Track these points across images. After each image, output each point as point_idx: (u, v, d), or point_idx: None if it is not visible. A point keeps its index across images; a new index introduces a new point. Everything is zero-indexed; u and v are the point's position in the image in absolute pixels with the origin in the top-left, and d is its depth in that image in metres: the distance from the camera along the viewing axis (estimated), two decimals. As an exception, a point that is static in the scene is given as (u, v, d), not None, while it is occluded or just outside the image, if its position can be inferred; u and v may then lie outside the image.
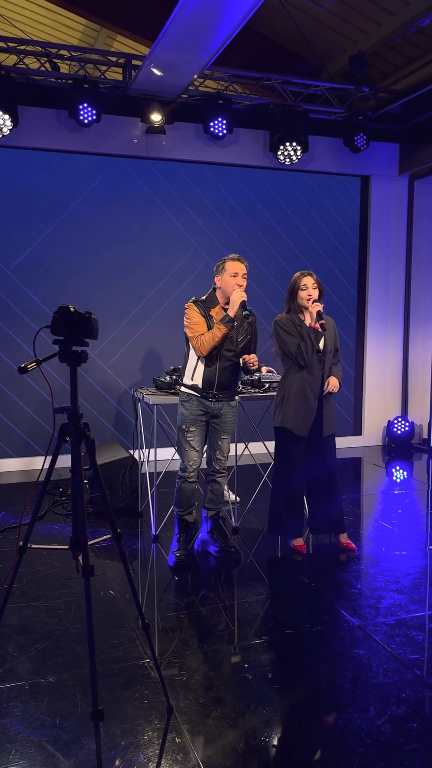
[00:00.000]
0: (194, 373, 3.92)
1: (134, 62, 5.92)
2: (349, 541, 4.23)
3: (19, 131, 5.75)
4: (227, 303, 3.84)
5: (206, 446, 4.12)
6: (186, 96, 6.16)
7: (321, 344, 3.96)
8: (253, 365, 3.97)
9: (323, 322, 3.89)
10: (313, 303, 3.91)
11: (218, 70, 6.06)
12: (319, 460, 4.08)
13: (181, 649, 2.98)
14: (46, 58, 5.72)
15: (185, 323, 3.90)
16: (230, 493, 4.92)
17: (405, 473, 6.43)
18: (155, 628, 3.16)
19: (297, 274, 3.99)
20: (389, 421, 7.46)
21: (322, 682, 2.75)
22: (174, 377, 4.58)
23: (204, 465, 4.15)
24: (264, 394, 4.66)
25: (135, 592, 2.42)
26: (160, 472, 4.80)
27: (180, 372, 4.39)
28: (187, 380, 3.97)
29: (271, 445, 4.32)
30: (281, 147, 6.33)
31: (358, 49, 6.38)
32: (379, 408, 7.51)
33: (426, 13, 5.78)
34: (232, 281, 3.83)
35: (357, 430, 7.53)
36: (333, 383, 3.99)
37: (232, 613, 3.37)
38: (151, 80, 5.62)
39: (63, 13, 7.56)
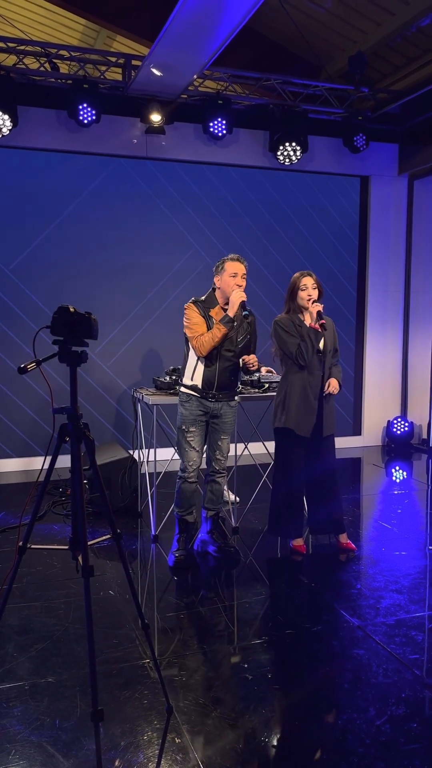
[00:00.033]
0: (194, 374, 3.92)
1: (134, 62, 5.92)
2: (348, 541, 4.23)
3: (18, 131, 5.75)
4: (227, 303, 3.84)
5: (206, 446, 4.12)
6: (186, 96, 6.16)
7: (321, 344, 3.96)
8: (253, 365, 3.98)
9: (323, 321, 3.90)
10: (313, 303, 3.91)
11: (218, 70, 6.06)
12: (319, 460, 4.08)
13: (180, 650, 2.98)
14: (45, 59, 5.72)
15: (185, 323, 3.90)
16: (230, 493, 4.93)
17: (404, 473, 6.43)
18: (155, 629, 3.16)
19: (296, 274, 3.99)
20: (389, 421, 7.46)
21: (322, 682, 2.75)
22: (174, 377, 4.58)
23: (204, 465, 4.15)
24: (263, 394, 4.66)
25: (134, 593, 2.42)
26: (160, 473, 4.80)
27: (179, 372, 4.39)
28: (186, 380, 3.97)
29: (270, 446, 4.32)
30: (281, 147, 6.33)
31: (358, 49, 6.38)
32: (378, 408, 7.52)
33: (426, 14, 5.78)
34: (232, 281, 3.83)
35: (356, 431, 7.53)
36: (333, 385, 3.99)
37: (231, 613, 3.37)
38: (151, 80, 5.62)
39: (63, 14, 7.56)
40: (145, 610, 3.37)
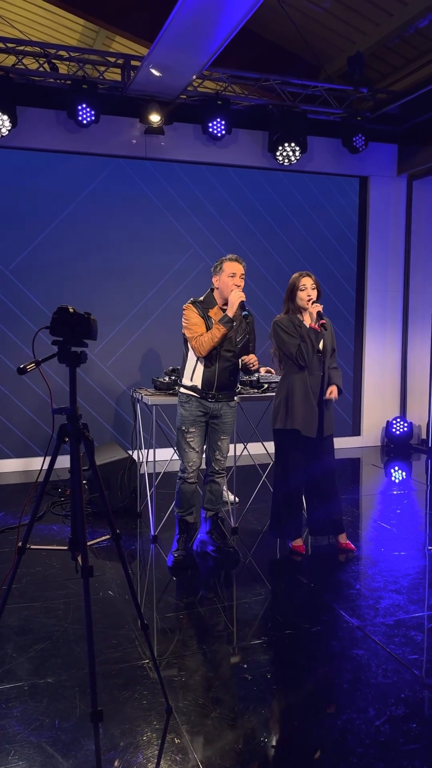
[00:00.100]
0: (193, 374, 3.92)
1: (133, 63, 5.93)
2: (348, 541, 4.23)
3: (17, 132, 5.75)
4: (225, 303, 3.84)
5: (205, 447, 4.12)
6: (185, 96, 6.16)
7: (321, 345, 3.96)
8: (254, 365, 3.98)
9: (323, 322, 3.90)
10: (312, 304, 3.91)
11: (217, 70, 6.06)
12: (318, 460, 4.08)
13: (180, 650, 2.98)
14: (44, 59, 5.73)
15: (184, 324, 3.90)
16: (229, 493, 4.93)
17: (404, 474, 6.44)
18: (154, 629, 3.16)
19: (295, 274, 3.99)
20: (388, 421, 7.46)
21: (321, 682, 2.75)
22: (173, 378, 4.58)
23: (203, 466, 4.15)
24: (263, 394, 4.66)
25: (134, 593, 2.42)
26: (159, 473, 4.80)
27: (179, 373, 4.40)
28: (186, 381, 3.97)
29: (269, 446, 4.32)
30: (280, 147, 6.34)
31: (357, 49, 6.39)
32: (377, 408, 7.52)
33: (424, 14, 5.79)
34: (230, 282, 3.83)
35: (356, 431, 7.53)
36: (335, 393, 3.98)
37: (231, 613, 3.37)
38: (150, 81, 5.62)
39: (62, 14, 7.56)
40: (144, 610, 3.37)
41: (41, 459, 6.11)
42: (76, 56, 5.82)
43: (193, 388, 3.92)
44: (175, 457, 4.16)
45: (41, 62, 5.74)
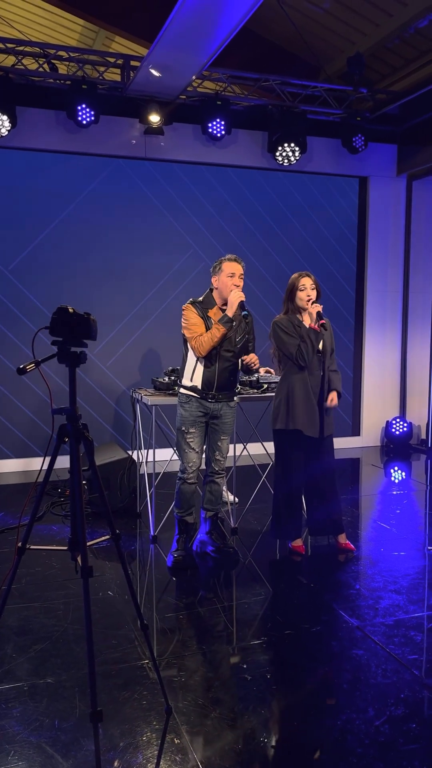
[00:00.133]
0: (193, 375, 3.92)
1: (132, 63, 5.93)
2: (347, 541, 4.23)
3: (17, 132, 5.75)
4: (224, 303, 3.84)
5: (205, 447, 4.12)
6: (184, 97, 6.17)
7: (320, 345, 3.96)
8: (254, 365, 3.98)
9: (323, 322, 3.90)
10: (312, 304, 3.91)
11: (216, 71, 6.06)
12: (318, 460, 4.08)
13: (179, 650, 2.98)
14: (44, 59, 5.73)
15: (183, 324, 3.90)
16: (229, 493, 4.93)
17: (403, 474, 6.44)
18: (154, 629, 3.16)
19: (295, 274, 3.99)
20: (387, 421, 7.46)
21: (321, 682, 2.75)
22: (172, 378, 4.58)
23: (203, 466, 4.15)
24: (263, 394, 4.66)
25: (134, 593, 2.42)
26: (159, 473, 4.80)
27: (178, 373, 4.40)
28: (186, 381, 3.97)
29: (269, 446, 4.32)
30: (279, 148, 6.34)
31: (356, 50, 6.39)
32: (377, 408, 7.52)
33: (424, 15, 5.79)
34: (229, 282, 3.83)
35: (355, 431, 7.53)
36: (335, 401, 3.97)
37: (230, 613, 3.37)
38: (150, 81, 5.62)
39: (61, 14, 7.56)
40: (144, 610, 3.37)
41: (41, 459, 6.11)
42: (76, 56, 5.83)
43: (192, 389, 3.92)
44: (175, 457, 4.16)
45: (41, 62, 5.74)
